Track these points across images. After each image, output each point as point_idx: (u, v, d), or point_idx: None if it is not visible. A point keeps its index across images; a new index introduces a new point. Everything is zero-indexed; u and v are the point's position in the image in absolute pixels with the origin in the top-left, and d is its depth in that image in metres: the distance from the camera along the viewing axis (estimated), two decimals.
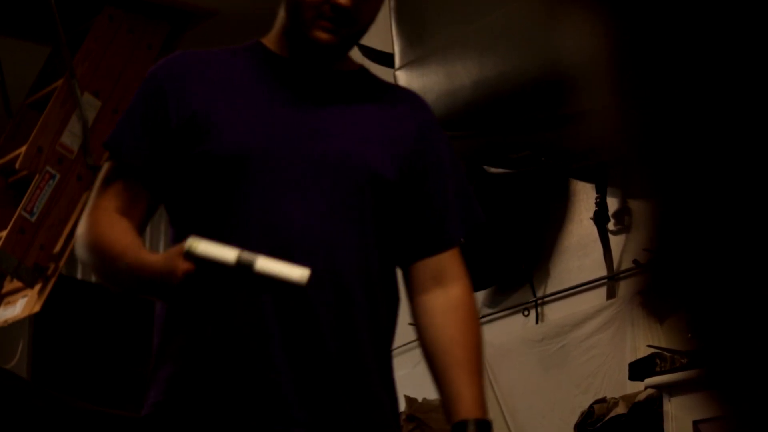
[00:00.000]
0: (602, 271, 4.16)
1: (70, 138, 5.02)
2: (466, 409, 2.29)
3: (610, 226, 4.16)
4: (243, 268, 2.02)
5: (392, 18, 4.16)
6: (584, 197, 4.27)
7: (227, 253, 2.03)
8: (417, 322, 2.36)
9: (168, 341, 2.26)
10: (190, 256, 2.04)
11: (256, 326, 2.17)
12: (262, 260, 2.02)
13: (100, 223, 2.24)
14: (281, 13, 2.35)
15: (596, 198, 4.15)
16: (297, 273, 2.01)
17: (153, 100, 2.30)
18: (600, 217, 4.14)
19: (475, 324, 2.36)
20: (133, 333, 6.22)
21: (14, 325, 5.51)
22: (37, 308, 5.20)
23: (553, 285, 4.36)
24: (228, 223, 2.20)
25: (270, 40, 2.37)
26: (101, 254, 2.21)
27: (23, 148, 4.96)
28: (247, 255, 2.02)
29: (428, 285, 2.34)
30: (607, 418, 3.64)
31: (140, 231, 2.28)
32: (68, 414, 4.07)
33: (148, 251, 2.16)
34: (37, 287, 5.19)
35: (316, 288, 2.14)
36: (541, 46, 3.62)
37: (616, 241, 4.15)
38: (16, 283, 5.22)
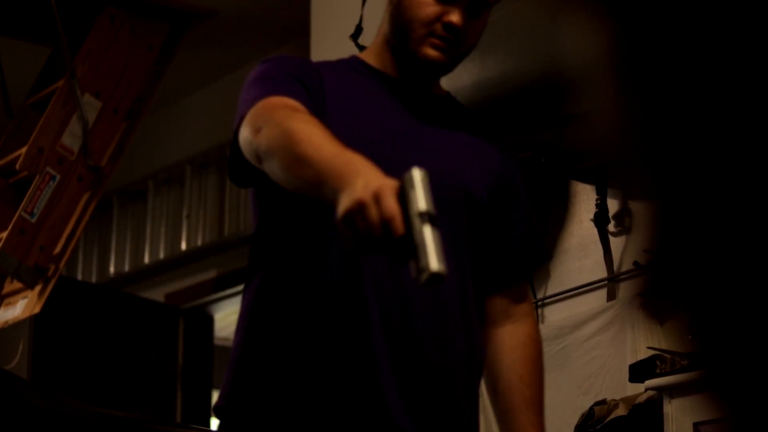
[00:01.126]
0: (602, 273, 4.16)
1: (71, 139, 5.02)
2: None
3: (611, 227, 4.15)
4: (427, 217, 1.77)
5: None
6: (585, 198, 4.27)
7: (426, 202, 1.79)
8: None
9: (255, 337, 2.21)
10: (405, 180, 1.83)
11: (360, 335, 2.14)
12: (434, 231, 1.77)
13: (292, 107, 2.06)
14: (384, 29, 2.34)
15: (597, 199, 4.14)
16: (435, 264, 1.75)
17: (305, 69, 2.24)
18: (600, 219, 4.13)
19: (541, 363, 2.38)
20: (133, 334, 6.22)
21: (14, 326, 5.51)
22: (37, 309, 5.20)
23: (554, 286, 4.35)
24: (327, 228, 2.15)
25: (369, 57, 2.37)
26: (299, 138, 1.95)
27: (24, 149, 4.96)
28: (430, 218, 1.77)
29: (500, 318, 2.36)
30: (608, 419, 3.64)
31: None
32: (69, 415, 4.07)
33: None
34: (38, 288, 5.19)
35: (419, 300, 2.15)
36: (542, 46, 3.61)
37: (616, 243, 4.15)
38: (17, 284, 5.22)
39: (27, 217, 5.00)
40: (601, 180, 4.14)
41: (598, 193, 4.15)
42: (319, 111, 2.19)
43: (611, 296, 4.12)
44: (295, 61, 2.29)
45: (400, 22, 2.28)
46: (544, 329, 4.30)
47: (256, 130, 2.04)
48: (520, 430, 2.32)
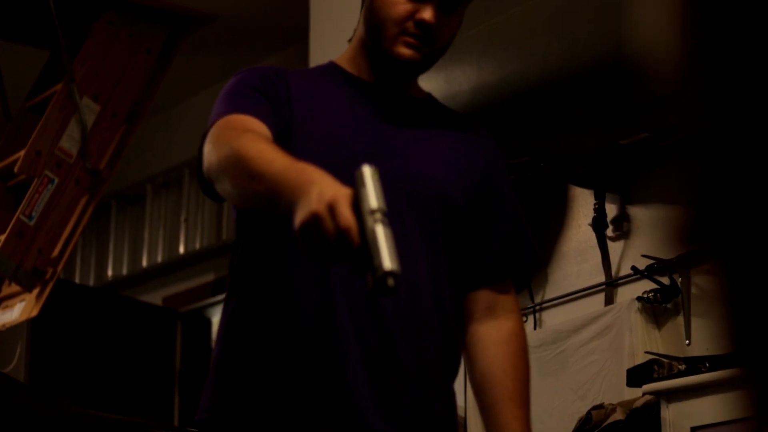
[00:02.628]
0: (600, 277, 4.16)
1: (69, 142, 5.02)
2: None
3: (609, 232, 4.16)
4: (374, 215, 1.79)
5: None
6: (583, 203, 4.27)
7: (376, 199, 1.80)
8: (467, 350, 2.36)
9: (233, 348, 2.22)
10: (360, 176, 1.84)
11: (333, 343, 2.15)
12: (385, 230, 1.78)
13: (251, 135, 2.06)
14: (360, 32, 2.35)
15: (595, 204, 4.15)
16: (388, 263, 1.75)
17: (270, 80, 2.25)
18: (598, 223, 4.13)
19: (526, 358, 2.37)
20: (131, 337, 6.22)
21: (12, 329, 5.50)
22: (35, 312, 5.20)
23: (551, 291, 4.35)
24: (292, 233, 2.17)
25: (345, 61, 2.38)
26: (249, 156, 1.97)
27: (22, 152, 4.96)
28: (382, 216, 1.78)
29: (482, 315, 2.34)
30: (605, 424, 3.64)
31: None
32: (66, 419, 4.06)
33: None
34: (35, 291, 5.19)
35: (393, 305, 2.15)
36: (540, 51, 3.62)
37: (614, 247, 4.15)
38: (14, 287, 5.22)
39: (25, 220, 5.00)
40: (600, 185, 4.14)
41: (596, 198, 4.15)
42: (285, 122, 2.21)
43: (609, 301, 4.12)
44: (264, 72, 2.28)
45: (373, 22, 2.29)
46: (541, 333, 4.30)
47: (208, 152, 2.10)
48: (504, 424, 2.31)
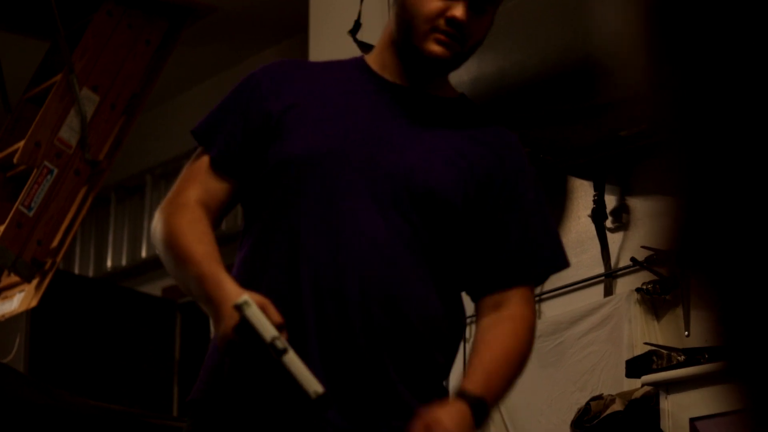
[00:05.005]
0: (600, 269, 4.16)
1: (69, 133, 5.02)
2: (475, 382, 2.24)
3: (608, 223, 4.16)
4: (273, 349, 2.05)
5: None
6: (582, 194, 4.27)
7: (267, 329, 2.06)
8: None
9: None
10: (239, 309, 2.08)
11: (296, 323, 2.17)
12: (291, 356, 2.05)
13: (181, 216, 2.25)
14: (390, 28, 2.36)
15: (594, 195, 4.15)
16: (312, 387, 2.04)
17: (247, 95, 2.33)
18: (598, 215, 4.14)
19: (523, 338, 2.30)
20: (130, 328, 6.23)
21: (11, 320, 5.51)
22: (34, 303, 5.20)
23: (551, 282, 4.34)
24: (283, 223, 2.23)
25: (372, 57, 2.39)
26: (176, 253, 2.23)
27: (21, 143, 4.96)
28: (281, 343, 2.05)
29: (487, 311, 2.32)
30: (604, 415, 3.64)
31: (216, 223, 2.31)
32: (65, 409, 4.07)
33: (224, 269, 2.18)
34: (35, 282, 5.19)
35: (363, 296, 2.15)
36: (540, 43, 3.62)
37: (613, 239, 4.16)
38: (14, 278, 5.22)
39: (24, 210, 5.00)
40: (599, 176, 4.15)
41: (595, 189, 4.16)
42: (263, 128, 2.29)
43: (608, 292, 4.13)
44: (253, 81, 2.35)
45: (404, 18, 2.29)
46: (541, 325, 4.31)
47: (158, 227, 2.30)
48: (474, 363, 2.28)
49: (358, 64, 2.40)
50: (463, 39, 2.26)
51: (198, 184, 2.29)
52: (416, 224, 2.24)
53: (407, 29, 2.29)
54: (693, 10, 0.78)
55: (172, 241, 2.22)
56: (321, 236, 2.19)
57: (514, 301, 2.31)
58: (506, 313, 2.29)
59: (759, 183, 0.77)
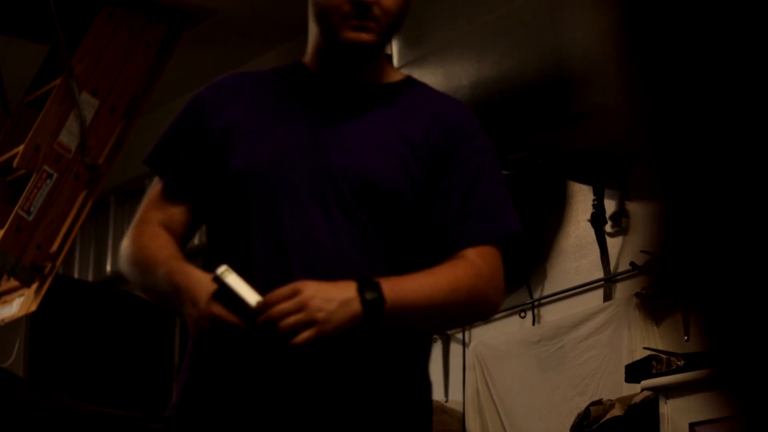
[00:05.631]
0: (599, 273, 4.16)
1: (68, 137, 5.02)
2: (384, 278, 2.16)
3: (608, 228, 4.16)
4: (259, 314, 2.06)
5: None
6: (582, 199, 4.27)
7: (250, 294, 2.07)
8: None
9: (192, 348, 2.32)
10: (219, 280, 2.10)
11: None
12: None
13: (144, 234, 2.33)
14: (313, 28, 2.37)
15: (594, 200, 4.15)
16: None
17: (192, 117, 2.38)
18: (597, 219, 4.14)
19: (462, 272, 2.21)
20: (129, 332, 6.22)
21: (11, 324, 5.50)
22: (33, 307, 5.20)
23: (551, 286, 4.36)
24: (238, 236, 2.26)
25: (307, 57, 2.40)
26: (143, 263, 2.28)
27: (21, 147, 4.96)
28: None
29: None
30: (604, 419, 3.64)
31: (183, 243, 2.35)
32: (65, 413, 4.06)
33: (190, 264, 2.23)
34: (34, 286, 5.19)
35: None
36: (540, 46, 3.62)
37: (613, 243, 4.15)
38: (13, 282, 5.21)
39: (24, 215, 4.99)
40: (599, 181, 4.15)
41: (595, 194, 4.15)
42: (209, 148, 2.32)
43: (608, 296, 4.12)
44: (198, 101, 2.41)
45: (318, 15, 2.33)
46: (540, 329, 4.31)
47: (125, 248, 2.37)
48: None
49: (296, 66, 2.41)
50: (376, 18, 2.26)
51: (157, 210, 2.36)
52: (363, 221, 2.22)
53: (324, 24, 2.31)
54: (665, 21, 0.78)
55: (138, 254, 2.30)
56: (270, 250, 2.20)
57: (463, 256, 2.27)
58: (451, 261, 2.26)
59: (734, 191, 0.77)
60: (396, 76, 2.40)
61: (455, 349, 4.72)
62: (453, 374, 4.71)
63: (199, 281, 2.15)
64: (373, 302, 2.10)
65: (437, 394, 4.69)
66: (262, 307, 2.07)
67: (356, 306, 2.08)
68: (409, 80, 2.41)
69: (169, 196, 2.36)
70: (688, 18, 0.78)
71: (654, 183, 0.81)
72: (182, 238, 2.36)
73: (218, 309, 2.10)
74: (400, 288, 2.14)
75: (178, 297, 2.16)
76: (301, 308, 2.05)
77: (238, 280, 2.09)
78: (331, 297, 2.08)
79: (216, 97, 2.38)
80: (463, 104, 2.43)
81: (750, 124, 0.76)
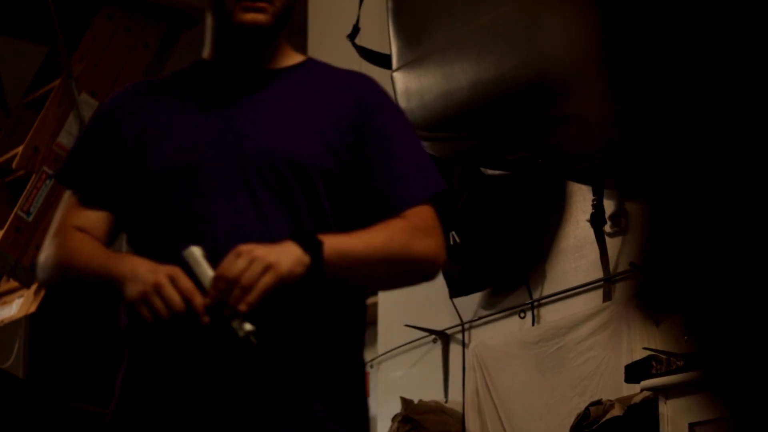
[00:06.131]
0: (599, 273, 4.16)
1: (67, 138, 5.02)
2: (325, 235, 2.17)
3: (607, 228, 4.16)
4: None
5: (389, 19, 4.16)
6: (581, 199, 4.27)
7: (207, 274, 2.10)
8: None
9: (127, 350, 2.31)
10: (188, 256, 2.11)
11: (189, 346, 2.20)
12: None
13: (73, 240, 2.30)
14: (208, 19, 2.37)
15: (593, 200, 4.14)
16: (251, 326, 2.08)
17: (102, 126, 2.36)
18: (597, 219, 4.13)
19: (394, 226, 2.23)
20: None
21: (10, 325, 5.51)
22: (33, 308, 5.20)
23: (550, 287, 4.36)
24: (167, 235, 2.25)
25: (205, 51, 2.40)
26: (71, 262, 2.25)
27: (20, 148, 4.96)
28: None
29: None
30: (603, 420, 3.64)
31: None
32: (64, 414, 4.06)
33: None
34: (34, 287, 5.19)
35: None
36: (539, 47, 3.62)
37: (612, 244, 4.15)
38: (13, 283, 5.22)
39: (23, 216, 5.00)
40: (598, 181, 4.14)
41: (594, 194, 4.15)
42: (123, 154, 2.31)
43: (607, 297, 4.12)
44: (105, 112, 2.39)
45: (213, 2, 2.31)
46: (540, 330, 4.31)
47: (51, 255, 2.31)
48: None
49: (196, 63, 2.42)
50: None
51: (77, 220, 2.33)
52: (293, 202, 2.22)
53: (218, 11, 2.30)
54: (645, 27, 0.79)
55: (65, 258, 2.26)
56: (202, 242, 2.18)
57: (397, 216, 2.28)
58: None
59: (715, 195, 0.77)
60: (297, 58, 2.40)
61: (455, 349, 4.72)
62: (453, 375, 4.72)
63: (140, 261, 2.16)
64: (311, 243, 2.11)
65: (437, 395, 4.69)
66: (217, 277, 2.07)
67: (297, 250, 2.10)
68: (311, 61, 2.41)
69: (87, 205, 2.34)
70: (671, 21, 0.78)
71: (639, 185, 0.81)
72: (105, 243, 2.34)
73: (179, 272, 2.10)
74: (335, 237, 2.16)
75: (115, 279, 2.14)
76: (252, 260, 2.07)
77: (201, 261, 2.11)
78: (271, 247, 2.10)
79: (123, 105, 2.37)
80: (368, 76, 2.44)
81: (732, 126, 0.76)
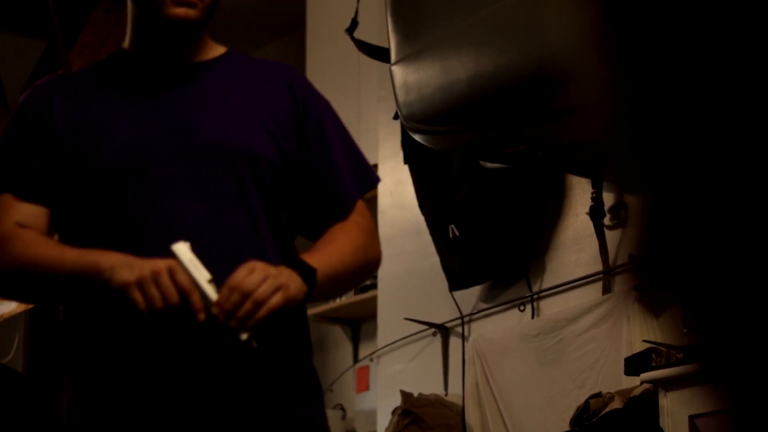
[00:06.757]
0: (598, 266, 4.16)
1: None
2: (308, 256, 2.22)
3: (606, 221, 4.16)
4: (210, 282, 2.10)
5: (388, 12, 4.16)
6: (580, 192, 4.27)
7: (203, 272, 2.10)
8: None
9: (78, 353, 2.28)
10: (178, 252, 2.10)
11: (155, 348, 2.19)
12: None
13: (24, 240, 2.20)
14: (130, 9, 2.35)
15: (592, 193, 4.14)
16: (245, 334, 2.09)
17: (29, 124, 2.29)
18: (596, 212, 4.13)
19: (354, 233, 2.30)
20: None
21: (10, 320, 5.51)
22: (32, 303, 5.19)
23: (549, 279, 4.36)
24: (116, 235, 2.20)
25: (127, 44, 2.37)
26: (43, 259, 2.16)
27: None
28: (212, 288, 2.09)
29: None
30: (603, 412, 3.64)
31: None
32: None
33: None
34: None
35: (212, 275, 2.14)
36: (537, 39, 3.61)
37: (612, 236, 4.15)
38: None
39: None
40: (597, 173, 4.14)
41: (593, 187, 4.15)
42: (56, 150, 2.25)
43: (607, 289, 4.12)
44: (30, 107, 2.30)
45: None
46: (539, 322, 4.31)
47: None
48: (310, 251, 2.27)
49: (119, 55, 2.37)
50: None
51: (14, 216, 2.24)
52: (248, 195, 2.23)
53: (145, 3, 2.27)
54: (648, 19, 0.79)
55: (25, 256, 2.17)
56: (158, 239, 2.17)
57: (345, 218, 2.33)
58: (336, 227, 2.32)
59: (715, 189, 0.77)
60: (219, 50, 2.39)
61: (454, 343, 4.72)
62: (452, 368, 4.72)
63: (123, 255, 2.11)
64: (308, 273, 2.16)
65: (437, 388, 4.69)
66: (231, 288, 2.07)
67: (299, 278, 2.15)
68: (233, 52, 2.41)
69: (26, 200, 2.25)
70: (672, 14, 0.78)
71: (639, 179, 0.81)
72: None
73: (178, 266, 2.07)
74: (317, 260, 2.21)
75: (111, 267, 2.08)
76: (265, 277, 2.09)
77: (194, 260, 2.10)
78: (279, 269, 2.14)
79: (49, 100, 2.29)
80: (293, 66, 2.46)
81: (735, 120, 0.76)
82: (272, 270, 2.10)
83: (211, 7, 2.29)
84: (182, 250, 2.10)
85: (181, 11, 2.24)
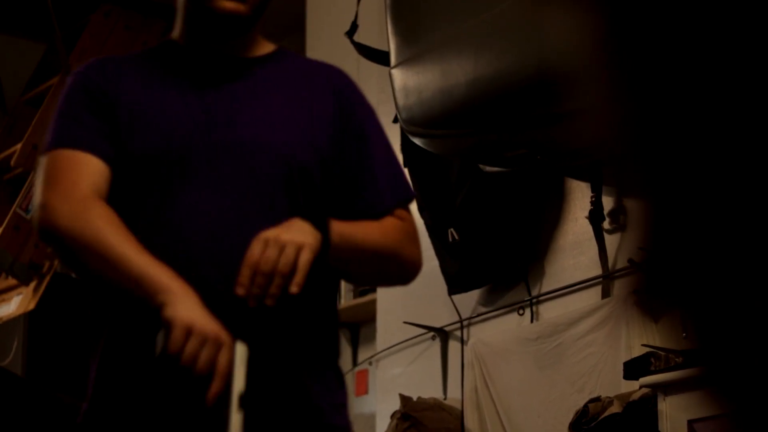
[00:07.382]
0: (597, 270, 4.16)
1: None
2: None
3: (606, 224, 4.16)
4: (239, 399, 2.02)
5: (388, 16, 4.16)
6: (579, 196, 4.27)
7: (243, 382, 2.03)
8: None
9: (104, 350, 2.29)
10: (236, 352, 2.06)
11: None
12: (240, 418, 2.01)
13: (100, 213, 2.13)
14: (180, 2, 2.32)
15: (591, 197, 4.14)
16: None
17: (92, 90, 2.25)
18: (595, 216, 4.13)
19: (388, 226, 2.26)
20: None
21: (9, 323, 5.51)
22: (32, 306, 5.20)
23: (548, 284, 4.35)
24: (143, 221, 2.17)
25: (176, 34, 2.35)
26: (106, 248, 2.09)
27: (18, 146, 4.96)
28: (241, 403, 2.01)
29: None
30: (602, 417, 3.64)
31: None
32: (63, 412, 4.06)
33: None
34: (32, 285, 5.18)
35: (226, 284, 2.11)
36: (537, 43, 3.61)
37: (611, 240, 4.15)
38: (11, 281, 5.21)
39: (22, 213, 4.99)
40: (596, 177, 4.14)
41: (593, 191, 4.15)
42: (111, 128, 2.21)
43: (606, 294, 4.12)
44: (91, 79, 2.26)
45: None
46: (538, 326, 4.31)
47: (51, 206, 2.12)
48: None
49: (168, 45, 2.34)
50: None
51: (89, 176, 2.17)
52: (272, 195, 2.20)
53: None
54: (648, 23, 0.79)
55: (96, 238, 2.10)
56: (172, 231, 2.15)
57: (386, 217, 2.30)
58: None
59: (715, 192, 0.77)
60: (269, 47, 2.37)
61: (453, 347, 4.72)
62: (451, 372, 4.72)
63: (180, 285, 2.06)
64: (318, 221, 2.11)
65: (436, 392, 4.69)
66: (254, 271, 2.03)
67: (309, 226, 2.10)
68: (282, 50, 2.38)
69: (98, 162, 2.19)
70: (672, 17, 0.78)
71: (640, 182, 0.81)
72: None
73: (228, 345, 2.01)
74: (334, 221, 2.15)
75: (172, 294, 2.03)
76: (282, 245, 2.04)
77: (242, 367, 2.04)
78: (287, 227, 2.08)
79: (102, 75, 2.26)
80: (341, 69, 2.42)
81: (735, 123, 0.76)
82: (284, 235, 2.05)
83: (262, 3, 2.28)
84: (241, 350, 2.03)
85: (230, 5, 2.22)
